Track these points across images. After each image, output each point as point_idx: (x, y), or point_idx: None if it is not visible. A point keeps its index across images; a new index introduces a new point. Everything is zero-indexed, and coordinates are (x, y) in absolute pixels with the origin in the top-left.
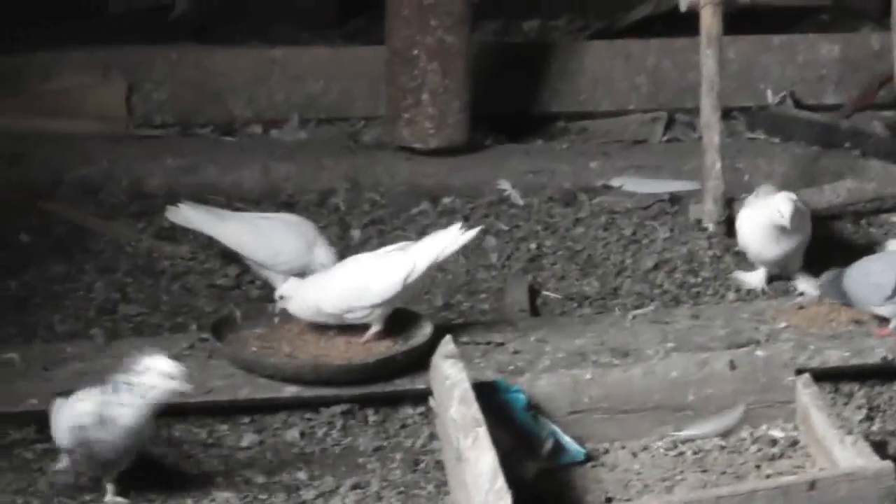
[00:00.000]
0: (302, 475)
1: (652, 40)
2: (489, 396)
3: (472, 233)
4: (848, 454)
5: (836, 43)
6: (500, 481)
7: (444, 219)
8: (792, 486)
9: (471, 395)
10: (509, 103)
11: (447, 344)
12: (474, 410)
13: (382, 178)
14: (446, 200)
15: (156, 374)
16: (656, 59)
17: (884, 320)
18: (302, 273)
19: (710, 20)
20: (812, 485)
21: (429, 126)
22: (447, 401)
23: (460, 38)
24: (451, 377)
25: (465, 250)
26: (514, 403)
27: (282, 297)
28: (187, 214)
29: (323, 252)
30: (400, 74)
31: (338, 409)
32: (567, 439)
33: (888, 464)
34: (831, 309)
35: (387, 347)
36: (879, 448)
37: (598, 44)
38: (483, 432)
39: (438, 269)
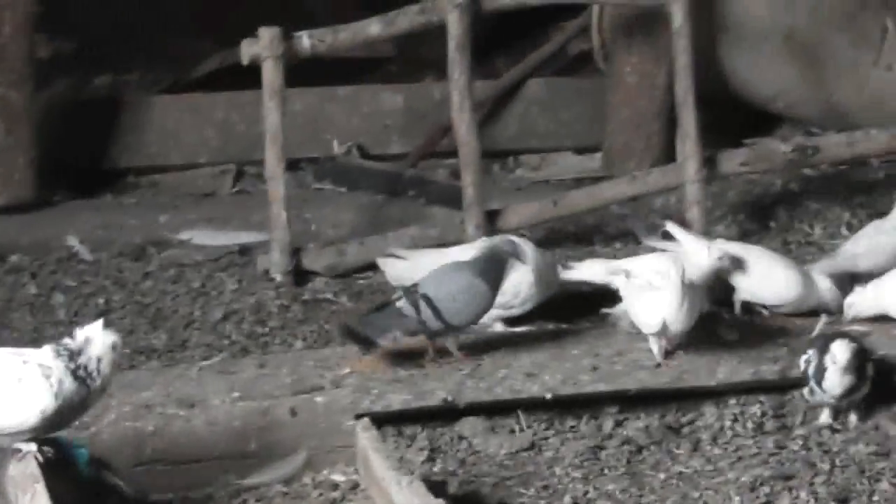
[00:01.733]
0: None
1: (220, 94)
2: (52, 452)
3: None
4: (405, 495)
5: (400, 93)
6: None
7: (11, 277)
8: None
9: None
10: (80, 158)
11: None
12: (32, 467)
13: None
14: (13, 258)
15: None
16: (224, 112)
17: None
18: None
19: (271, 73)
20: None
21: None
22: (2, 459)
23: (23, 95)
24: None
25: (33, 308)
26: (77, 458)
27: None
28: None
29: None
30: None
31: None
32: (130, 492)
33: (441, 502)
34: (394, 354)
35: None
36: (440, 488)
37: (167, 98)
38: (41, 488)
39: None
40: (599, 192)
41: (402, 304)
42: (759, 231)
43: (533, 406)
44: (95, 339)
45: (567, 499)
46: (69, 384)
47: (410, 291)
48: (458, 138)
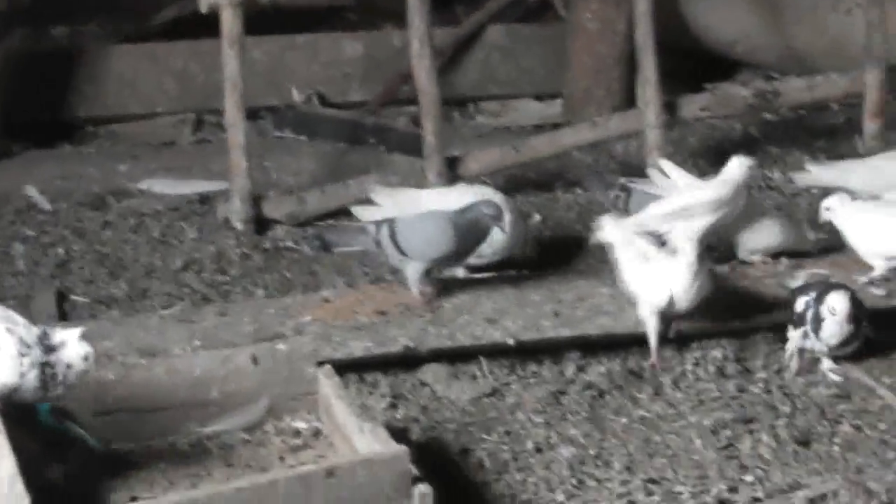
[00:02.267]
0: None
1: (179, 43)
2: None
3: None
4: (366, 441)
5: (360, 41)
6: (19, 486)
7: None
8: (311, 475)
9: None
10: (39, 110)
11: None
12: None
13: None
14: None
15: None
16: (183, 61)
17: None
18: None
19: (230, 21)
20: (330, 472)
21: None
22: None
23: None
24: None
25: None
26: (38, 408)
27: None
28: None
29: None
30: None
31: None
32: (92, 441)
33: (403, 448)
34: (355, 301)
35: None
36: (402, 435)
37: (125, 48)
38: (1, 438)
39: None
40: (560, 138)
41: (368, 224)
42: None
43: (495, 352)
44: (70, 345)
45: (529, 444)
46: (33, 377)
47: (383, 221)
48: (419, 86)
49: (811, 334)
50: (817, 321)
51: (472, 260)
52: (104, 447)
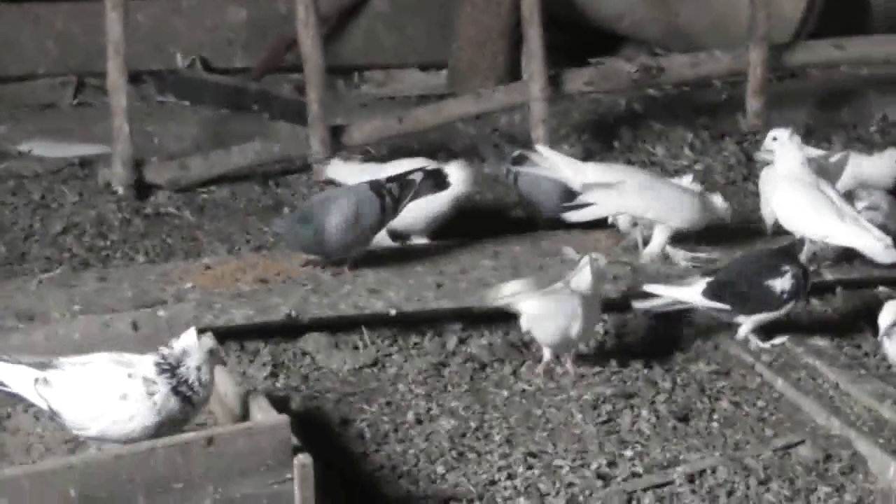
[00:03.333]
0: None
1: (61, 4)
2: None
3: None
4: (248, 410)
5: (244, 6)
6: None
7: None
8: (191, 443)
9: None
10: None
11: None
12: None
13: None
14: None
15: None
16: (65, 22)
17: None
18: None
19: None
20: (210, 441)
21: None
22: None
23: None
24: None
25: None
26: None
27: None
28: None
29: None
30: None
31: None
32: None
33: (284, 417)
34: (237, 268)
35: None
36: (282, 403)
37: (5, 7)
38: None
39: None
40: (444, 109)
41: None
42: (603, 150)
43: (377, 322)
44: (190, 349)
45: (410, 415)
46: (173, 403)
47: None
48: (303, 53)
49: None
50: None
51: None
52: None
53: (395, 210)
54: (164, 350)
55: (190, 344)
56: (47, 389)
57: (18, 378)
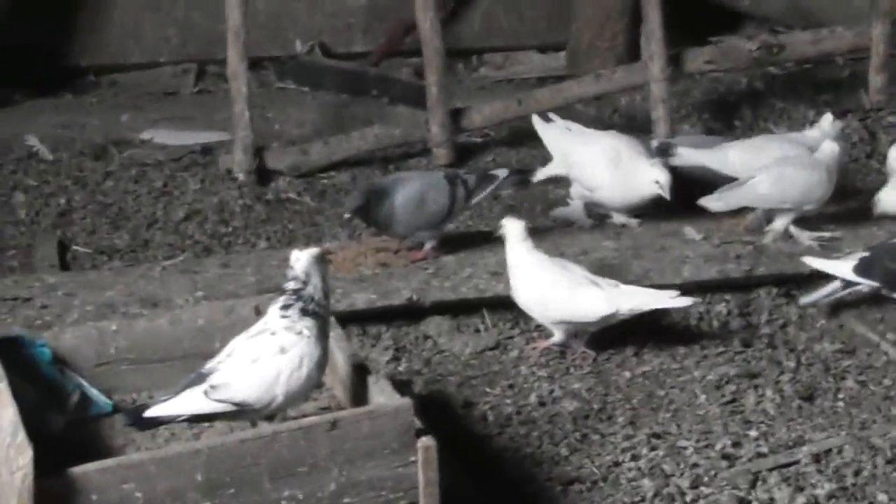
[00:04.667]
0: None
1: None
2: (14, 352)
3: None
4: (371, 393)
5: None
6: (21, 435)
7: None
8: (314, 427)
9: None
10: (39, 57)
11: None
12: None
13: None
14: None
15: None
16: (185, 10)
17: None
18: None
19: None
20: (334, 424)
21: None
22: None
23: None
24: None
25: None
26: (39, 357)
27: None
28: None
29: None
30: None
31: None
32: (94, 391)
33: (407, 400)
34: (358, 253)
35: None
36: (405, 387)
37: None
38: (3, 387)
39: None
40: (564, 90)
41: None
42: (724, 130)
43: (498, 305)
44: (310, 268)
45: (532, 397)
46: (311, 323)
47: None
48: (422, 37)
49: None
50: None
51: None
52: (105, 398)
53: (468, 201)
54: (285, 285)
55: (306, 264)
56: (221, 391)
57: (193, 404)
